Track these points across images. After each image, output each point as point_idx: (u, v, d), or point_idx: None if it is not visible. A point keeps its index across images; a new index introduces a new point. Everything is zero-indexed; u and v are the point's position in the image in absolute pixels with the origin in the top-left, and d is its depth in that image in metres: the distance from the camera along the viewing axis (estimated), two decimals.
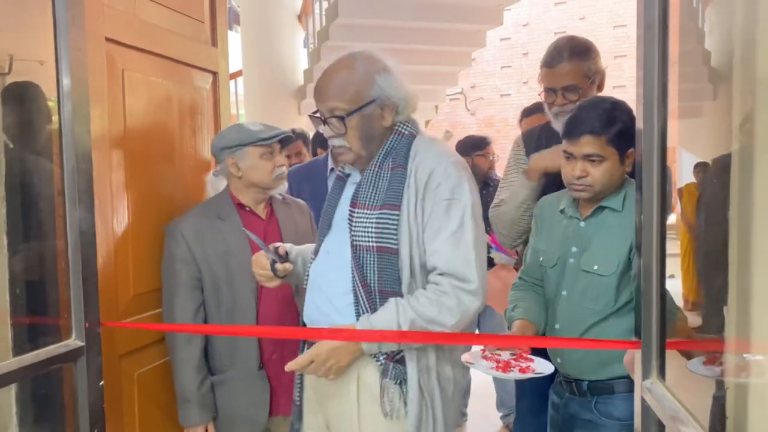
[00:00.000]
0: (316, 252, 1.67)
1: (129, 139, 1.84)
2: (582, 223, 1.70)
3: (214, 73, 2.27)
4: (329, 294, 1.58)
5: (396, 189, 1.52)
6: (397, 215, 1.50)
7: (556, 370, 1.64)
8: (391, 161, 1.56)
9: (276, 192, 2.01)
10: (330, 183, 2.43)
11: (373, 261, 1.51)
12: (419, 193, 1.51)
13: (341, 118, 1.52)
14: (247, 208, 1.98)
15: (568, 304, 1.69)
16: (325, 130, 1.57)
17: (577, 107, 1.72)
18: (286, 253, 1.71)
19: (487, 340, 2.03)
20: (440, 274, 1.48)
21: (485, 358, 1.64)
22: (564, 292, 1.70)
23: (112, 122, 1.76)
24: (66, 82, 1.46)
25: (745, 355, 1.12)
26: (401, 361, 1.50)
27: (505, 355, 1.65)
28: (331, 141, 1.58)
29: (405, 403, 1.50)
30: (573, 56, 2.01)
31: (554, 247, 1.75)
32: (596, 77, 2.06)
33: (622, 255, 1.60)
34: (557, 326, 1.70)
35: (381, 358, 1.50)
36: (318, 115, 1.58)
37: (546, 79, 2.08)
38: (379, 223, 1.51)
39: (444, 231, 1.48)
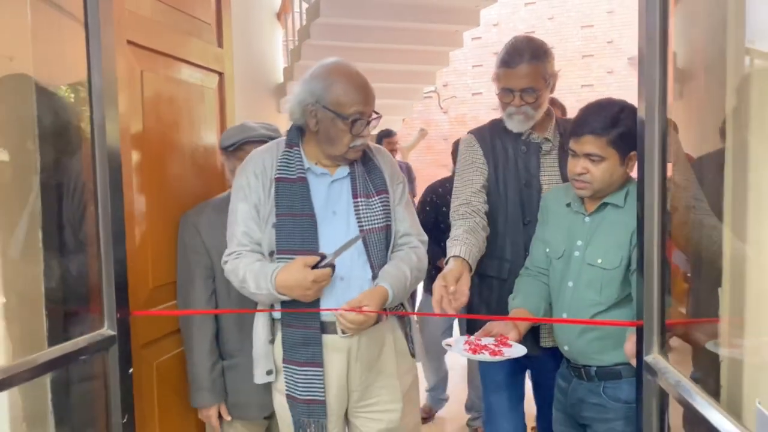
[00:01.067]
0: (307, 252, 1.71)
1: (146, 138, 1.91)
2: (587, 219, 1.80)
3: (220, 74, 2.34)
4: (361, 283, 1.77)
5: (380, 177, 1.85)
6: (389, 198, 1.85)
7: (526, 355, 1.71)
8: (360, 158, 1.85)
9: None
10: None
11: (383, 239, 1.81)
12: (389, 180, 1.88)
13: (380, 117, 1.81)
14: None
15: (574, 294, 1.79)
16: (365, 131, 1.78)
17: (586, 107, 1.79)
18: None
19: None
20: (406, 235, 1.89)
21: (467, 342, 1.76)
22: (570, 283, 1.80)
23: (131, 122, 1.83)
24: (98, 82, 1.53)
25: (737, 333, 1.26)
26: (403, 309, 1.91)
27: (487, 341, 1.75)
28: (363, 141, 1.79)
29: (411, 340, 1.91)
30: (533, 58, 2.02)
31: (560, 239, 1.85)
32: (551, 80, 2.09)
33: (625, 250, 1.70)
34: (564, 315, 1.81)
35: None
36: (358, 117, 1.74)
37: (504, 79, 2.07)
38: (383, 205, 1.82)
39: (402, 204, 1.90)
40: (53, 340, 1.57)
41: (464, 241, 1.91)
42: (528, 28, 12.36)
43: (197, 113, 2.20)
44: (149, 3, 1.93)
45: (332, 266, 1.67)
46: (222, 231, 1.97)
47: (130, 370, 1.64)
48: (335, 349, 1.78)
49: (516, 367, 2.21)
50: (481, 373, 2.36)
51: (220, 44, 2.35)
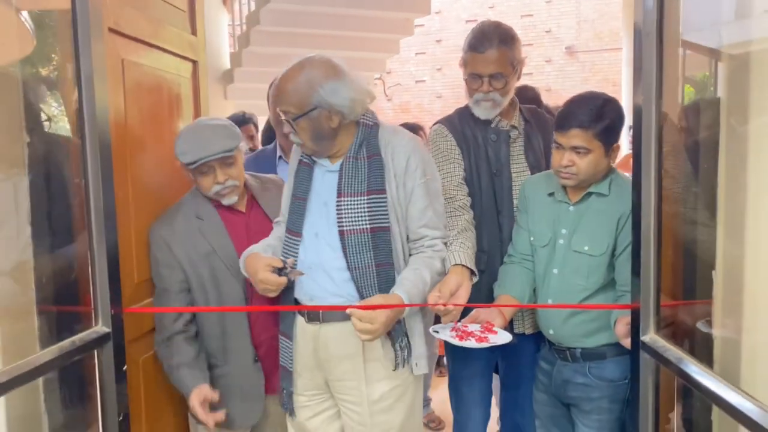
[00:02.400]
0: (292, 231, 1.81)
1: (128, 128, 1.85)
2: (571, 208, 1.86)
3: (195, 62, 2.29)
4: (328, 271, 1.76)
5: (378, 175, 1.74)
6: (385, 198, 1.74)
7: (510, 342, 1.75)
8: (365, 150, 1.77)
9: (228, 200, 1.95)
10: (279, 171, 2.47)
11: (368, 241, 1.72)
12: (399, 178, 1.76)
13: (289, 121, 1.74)
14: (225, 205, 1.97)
15: (560, 281, 1.85)
16: (285, 126, 1.79)
17: (570, 101, 1.83)
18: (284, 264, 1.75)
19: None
20: (432, 237, 1.79)
21: (454, 329, 1.79)
22: (555, 270, 1.86)
23: (114, 112, 1.77)
24: (87, 72, 1.48)
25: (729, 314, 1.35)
26: (400, 321, 1.75)
27: (473, 327, 1.78)
28: (290, 136, 1.79)
29: (410, 352, 1.79)
30: (501, 43, 2.01)
31: (545, 228, 1.89)
32: (518, 67, 2.08)
33: (611, 237, 1.77)
34: (550, 301, 1.87)
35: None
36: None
37: (472, 64, 2.05)
38: (370, 206, 1.72)
39: (428, 207, 1.79)
40: (45, 339, 1.52)
41: (460, 246, 1.86)
42: (470, 17, 12.52)
43: (175, 103, 2.14)
44: None
45: (288, 279, 1.72)
46: (193, 239, 1.91)
47: (125, 368, 1.61)
48: (303, 331, 1.84)
49: (489, 357, 2.22)
50: (453, 362, 2.34)
51: (194, 32, 2.29)
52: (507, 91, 2.08)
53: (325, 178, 1.80)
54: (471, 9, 12.55)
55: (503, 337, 1.75)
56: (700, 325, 1.42)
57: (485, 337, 1.74)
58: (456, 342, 1.74)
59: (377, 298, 1.64)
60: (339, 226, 1.73)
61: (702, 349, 1.41)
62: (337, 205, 1.74)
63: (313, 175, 1.81)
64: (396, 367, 1.78)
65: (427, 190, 1.78)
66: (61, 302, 1.61)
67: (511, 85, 2.09)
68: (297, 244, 1.79)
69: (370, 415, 1.80)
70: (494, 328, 1.79)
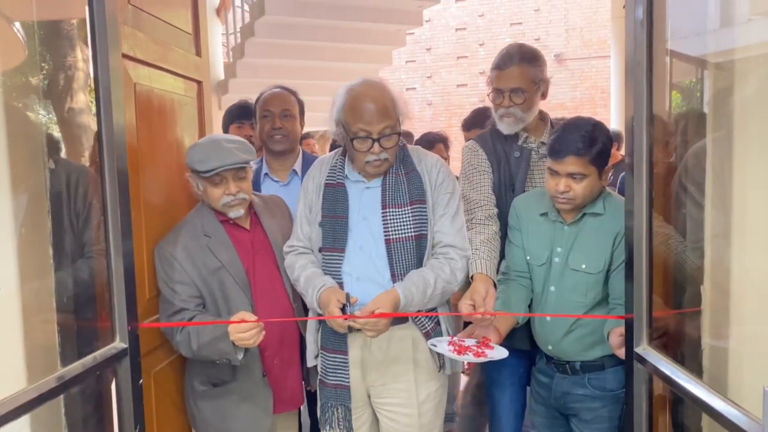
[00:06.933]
0: (334, 249, 1.90)
1: (140, 150, 1.91)
2: (566, 227, 1.91)
3: (199, 83, 2.35)
4: (378, 281, 1.86)
5: (418, 187, 1.90)
6: (426, 207, 1.90)
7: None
8: (402, 167, 1.93)
9: (235, 213, 1.99)
10: (264, 188, 2.52)
11: (412, 247, 1.87)
12: (432, 189, 1.92)
13: (395, 135, 1.84)
14: (231, 222, 2.01)
15: (557, 298, 1.90)
16: (373, 149, 1.82)
17: (562, 128, 1.87)
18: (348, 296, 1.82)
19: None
20: (446, 246, 1.90)
21: (451, 343, 1.83)
22: (552, 288, 1.92)
23: (127, 134, 1.83)
24: (106, 97, 1.55)
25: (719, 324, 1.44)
26: (439, 323, 1.92)
27: (469, 342, 1.83)
28: (378, 156, 1.83)
29: (437, 354, 1.90)
30: (522, 60, 2.13)
31: (541, 247, 1.94)
32: (542, 85, 2.18)
33: (607, 254, 1.83)
34: (548, 319, 1.92)
35: (427, 324, 1.90)
36: (363, 135, 1.81)
37: (495, 80, 2.18)
38: (414, 215, 1.87)
39: (447, 216, 1.91)
40: (65, 355, 1.59)
41: (487, 255, 1.96)
42: (459, 25, 12.66)
43: (182, 124, 2.20)
44: (138, 14, 1.93)
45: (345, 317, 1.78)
46: (202, 256, 1.94)
47: (140, 381, 1.67)
48: (353, 341, 1.91)
49: (523, 366, 2.23)
50: (487, 370, 2.35)
51: (198, 53, 2.36)
52: (529, 106, 2.18)
53: (364, 195, 1.92)
54: (461, 17, 12.68)
55: (500, 353, 1.79)
56: (693, 337, 1.50)
57: (482, 352, 1.78)
58: (454, 356, 1.78)
59: (380, 297, 1.75)
60: (386, 235, 1.86)
61: (692, 359, 1.49)
62: (383, 216, 1.87)
63: (349, 196, 1.91)
64: (439, 369, 1.94)
65: (448, 201, 1.92)
66: (83, 320, 1.67)
67: (533, 101, 2.19)
68: (339, 260, 1.88)
69: (418, 415, 1.92)
70: (491, 344, 1.83)
